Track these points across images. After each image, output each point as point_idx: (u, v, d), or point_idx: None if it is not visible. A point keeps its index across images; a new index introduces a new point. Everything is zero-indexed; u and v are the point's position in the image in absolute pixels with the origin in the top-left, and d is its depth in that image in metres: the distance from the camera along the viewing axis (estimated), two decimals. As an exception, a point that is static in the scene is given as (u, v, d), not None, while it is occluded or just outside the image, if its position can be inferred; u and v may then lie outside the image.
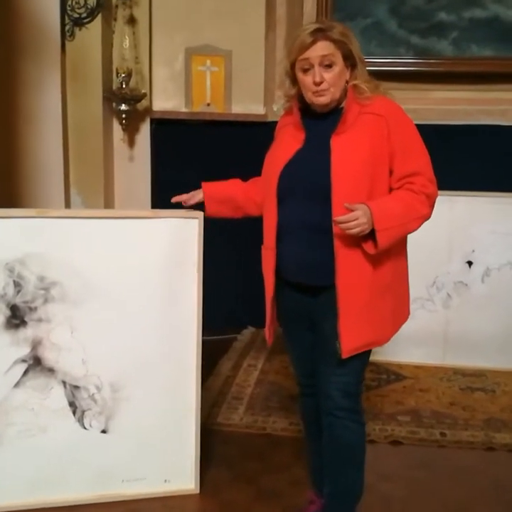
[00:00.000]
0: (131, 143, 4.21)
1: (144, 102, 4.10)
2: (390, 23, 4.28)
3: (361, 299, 2.04)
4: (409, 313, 2.26)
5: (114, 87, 3.97)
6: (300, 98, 2.13)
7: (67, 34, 3.83)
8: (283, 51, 4.08)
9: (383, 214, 1.97)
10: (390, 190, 2.06)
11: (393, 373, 3.72)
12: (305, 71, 2.05)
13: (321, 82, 2.02)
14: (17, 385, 2.27)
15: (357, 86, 2.06)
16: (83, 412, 2.34)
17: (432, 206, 2.08)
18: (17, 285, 2.23)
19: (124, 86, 3.93)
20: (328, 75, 2.02)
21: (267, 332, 2.28)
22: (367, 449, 2.55)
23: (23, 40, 3.68)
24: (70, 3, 3.80)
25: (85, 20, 3.85)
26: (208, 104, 4.27)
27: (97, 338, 2.31)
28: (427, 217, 2.07)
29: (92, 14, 3.85)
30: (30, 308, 2.25)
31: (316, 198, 2.02)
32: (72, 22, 3.84)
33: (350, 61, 2.06)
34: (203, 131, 4.28)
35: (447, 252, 3.80)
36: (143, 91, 4.03)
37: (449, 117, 4.22)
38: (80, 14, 3.83)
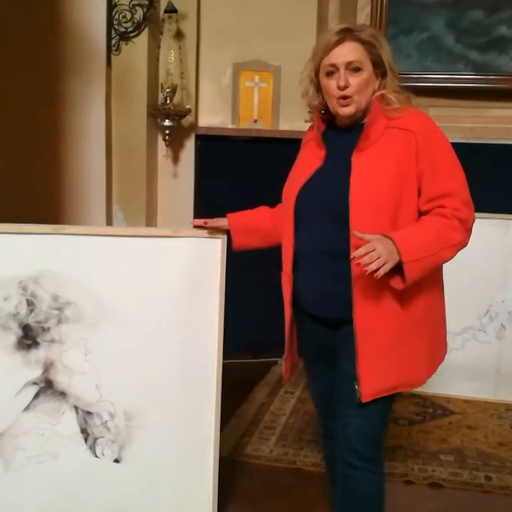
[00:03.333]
0: (175, 159, 4.13)
1: (189, 118, 4.02)
2: (447, 38, 4.09)
3: (385, 337, 1.82)
4: (446, 352, 2.03)
5: (159, 102, 3.90)
6: (325, 109, 1.95)
7: (113, 48, 3.79)
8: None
9: (410, 243, 1.75)
10: (419, 213, 1.84)
11: (440, 407, 3.50)
12: (329, 75, 1.86)
13: (346, 87, 1.82)
14: (27, 408, 2.16)
15: (384, 96, 1.86)
16: (95, 439, 2.22)
17: (468, 232, 1.85)
18: (30, 304, 2.14)
19: (168, 101, 3.85)
20: (354, 80, 1.83)
21: (284, 365, 2.12)
22: (403, 490, 2.36)
23: (69, 53, 3.66)
24: (116, 16, 3.76)
25: (132, 35, 3.81)
26: (255, 121, 4.16)
27: (112, 363, 2.18)
28: (463, 244, 1.84)
29: (138, 28, 3.80)
30: (43, 329, 2.16)
31: (334, 221, 1.83)
32: (118, 36, 3.79)
33: (379, 69, 1.86)
34: (250, 148, 4.17)
35: (502, 280, 3.55)
36: (187, 106, 3.94)
37: (508, 136, 4.00)
38: (126, 28, 3.79)
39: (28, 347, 2.15)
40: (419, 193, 1.83)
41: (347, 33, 1.83)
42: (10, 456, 2.17)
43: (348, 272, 1.80)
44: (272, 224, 2.15)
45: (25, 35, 3.61)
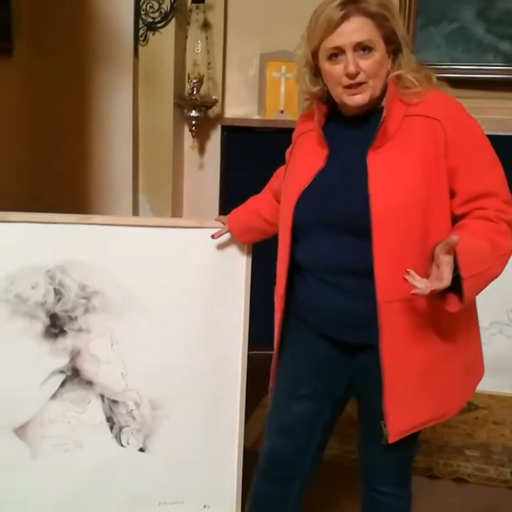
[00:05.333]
0: (201, 150, 4.13)
1: (216, 109, 4.01)
2: (477, 28, 4.01)
3: (417, 368, 1.57)
4: (483, 372, 1.77)
5: (185, 93, 3.90)
6: (327, 97, 1.63)
7: (141, 39, 3.79)
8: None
9: (469, 256, 1.42)
10: (452, 218, 1.56)
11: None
12: (332, 58, 1.52)
13: (357, 74, 1.49)
14: (54, 396, 2.18)
15: (402, 77, 1.53)
16: (121, 428, 2.23)
17: None
18: (58, 293, 2.15)
19: (194, 92, 3.84)
20: (365, 63, 1.49)
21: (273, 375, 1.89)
22: (427, 484, 2.33)
23: (96, 44, 3.68)
24: (144, 7, 3.76)
25: (159, 25, 3.80)
26: (282, 112, 4.13)
27: (138, 352, 2.19)
28: (510, 253, 1.54)
29: (165, 18, 3.79)
30: (71, 318, 2.17)
31: (350, 233, 1.55)
32: (145, 26, 3.79)
33: (393, 46, 1.53)
34: (276, 139, 4.13)
35: (531, 273, 3.50)
36: (214, 97, 3.93)
37: (539, 129, 3.94)
38: (153, 18, 3.78)
39: (55, 336, 2.17)
40: (452, 194, 1.55)
41: (351, 5, 1.47)
42: (36, 444, 2.19)
43: (371, 291, 1.53)
44: (261, 219, 2.01)
45: (53, 25, 3.63)
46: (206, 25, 3.91)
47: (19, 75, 3.54)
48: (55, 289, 2.15)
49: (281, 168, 1.95)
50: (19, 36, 3.51)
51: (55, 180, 3.70)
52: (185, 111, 3.91)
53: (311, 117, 1.68)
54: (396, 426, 1.59)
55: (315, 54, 1.58)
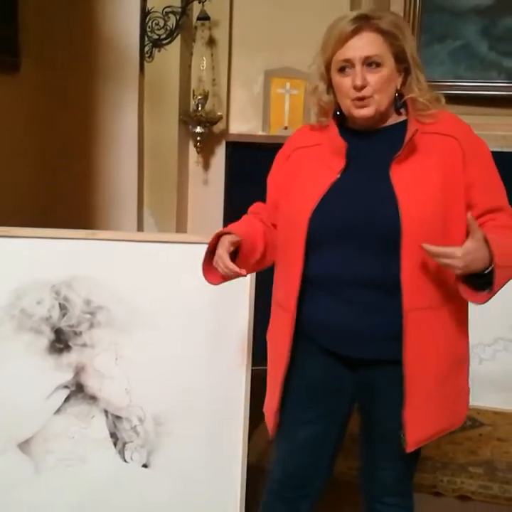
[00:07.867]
0: (205, 166, 4.14)
1: (220, 125, 4.03)
2: (480, 46, 4.05)
3: (435, 378, 1.60)
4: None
5: (190, 109, 3.93)
6: (338, 110, 1.67)
7: (146, 55, 3.82)
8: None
9: (502, 246, 1.46)
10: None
11: (469, 419, 3.44)
12: (342, 71, 1.58)
13: (364, 87, 1.55)
14: (58, 411, 2.20)
15: (415, 101, 1.61)
16: (124, 443, 2.24)
17: None
18: (63, 308, 2.17)
19: (199, 108, 3.87)
20: (373, 78, 1.55)
21: (272, 420, 1.79)
22: (432, 502, 2.32)
23: (102, 60, 3.70)
24: (150, 24, 3.79)
25: (164, 42, 3.82)
26: (286, 128, 4.15)
27: (142, 368, 2.21)
28: None
29: (171, 35, 3.82)
30: (75, 333, 2.18)
31: (377, 248, 1.56)
32: (151, 43, 3.82)
33: (403, 64, 1.59)
34: (280, 155, 4.16)
35: (534, 289, 3.50)
36: (219, 113, 3.96)
37: (542, 145, 3.96)
38: (159, 35, 3.81)
39: (60, 351, 2.18)
40: (468, 206, 1.58)
41: (364, 22, 1.55)
42: (40, 459, 2.20)
43: (395, 306, 1.55)
44: (264, 238, 1.78)
45: (60, 41, 3.66)
46: (211, 42, 3.94)
47: (26, 91, 3.57)
48: (60, 304, 2.17)
49: (259, 203, 1.98)
50: (26, 52, 3.53)
51: (61, 195, 3.71)
52: (190, 127, 3.93)
53: (314, 132, 1.74)
54: (415, 435, 1.62)
55: (328, 67, 1.63)
